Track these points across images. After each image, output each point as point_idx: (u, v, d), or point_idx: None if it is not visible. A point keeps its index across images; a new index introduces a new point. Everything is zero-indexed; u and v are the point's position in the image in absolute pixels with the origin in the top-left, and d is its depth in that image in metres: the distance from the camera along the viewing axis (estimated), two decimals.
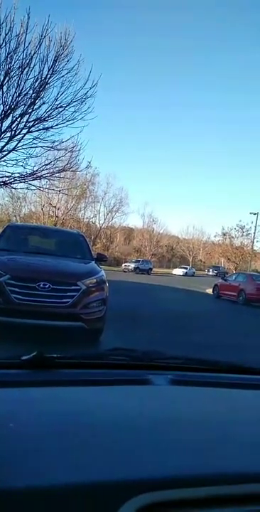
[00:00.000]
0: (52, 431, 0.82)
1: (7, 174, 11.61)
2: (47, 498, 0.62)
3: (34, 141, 11.34)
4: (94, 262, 6.32)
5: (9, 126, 11.01)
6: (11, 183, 11.98)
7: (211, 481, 0.69)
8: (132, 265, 42.11)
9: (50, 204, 36.66)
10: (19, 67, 10.44)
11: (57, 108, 11.17)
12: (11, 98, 10.65)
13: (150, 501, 0.63)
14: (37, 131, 11.30)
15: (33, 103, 10.91)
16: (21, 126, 11.07)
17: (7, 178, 11.70)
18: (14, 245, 6.25)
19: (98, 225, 51.90)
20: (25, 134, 11.20)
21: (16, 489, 0.62)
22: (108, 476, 0.67)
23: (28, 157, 11.58)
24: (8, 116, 10.90)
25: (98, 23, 67.85)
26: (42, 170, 12.04)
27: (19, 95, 10.65)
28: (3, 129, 11.01)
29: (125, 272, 39.15)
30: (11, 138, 11.13)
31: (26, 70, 10.53)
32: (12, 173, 11.62)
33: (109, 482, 0.65)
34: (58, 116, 11.26)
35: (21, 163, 11.57)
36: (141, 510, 0.61)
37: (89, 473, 0.68)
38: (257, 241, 39.16)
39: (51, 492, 0.62)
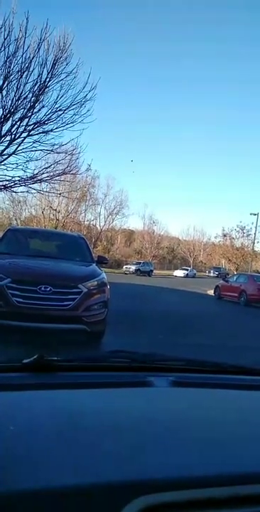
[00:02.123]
0: (54, 433, 0.82)
1: (7, 178, 11.64)
2: (49, 500, 0.62)
3: (34, 145, 11.39)
4: (95, 264, 6.32)
5: (9, 130, 11.04)
6: (11, 186, 12.00)
7: (214, 483, 0.69)
8: (133, 267, 42.09)
9: (51, 207, 36.70)
10: (18, 71, 10.47)
11: (56, 111, 11.20)
12: (10, 102, 10.69)
13: (153, 503, 0.63)
14: (37, 134, 11.33)
15: (33, 107, 10.94)
16: (21, 129, 11.10)
17: (7, 182, 11.72)
18: (15, 249, 6.25)
19: (99, 228, 51.95)
20: (25, 138, 11.23)
21: (18, 492, 0.62)
22: (110, 478, 0.67)
23: (28, 161, 11.64)
24: (8, 120, 10.92)
25: (97, 25, 68.10)
26: (43, 173, 12.07)
27: (18, 99, 10.68)
28: (3, 132, 11.04)
29: (126, 274, 39.12)
30: (11, 142, 11.15)
31: (25, 73, 10.57)
32: (12, 177, 11.66)
33: (111, 483, 0.65)
34: (58, 119, 11.30)
35: (21, 167, 11.61)
36: (143, 511, 0.61)
37: (91, 474, 0.68)
38: (258, 242, 39.07)
39: (53, 494, 0.62)
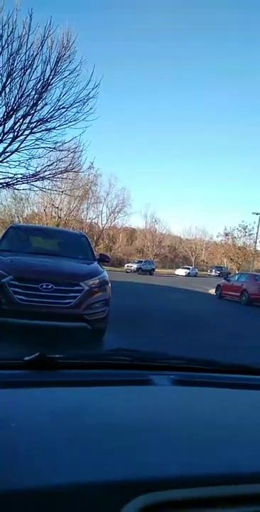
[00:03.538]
0: (55, 431, 0.82)
1: (10, 175, 11.63)
2: (50, 498, 0.62)
3: (36, 142, 11.37)
4: (96, 262, 6.32)
5: (12, 128, 11.03)
6: (13, 184, 11.99)
7: (214, 481, 0.69)
8: (135, 266, 42.11)
9: (53, 205, 36.73)
10: (21, 69, 10.46)
11: (59, 109, 11.18)
12: (13, 99, 10.67)
13: (153, 501, 0.63)
14: (39, 132, 11.32)
15: (36, 104, 10.92)
16: (24, 127, 11.09)
17: (10, 179, 11.72)
18: (17, 246, 6.26)
19: (100, 226, 51.98)
20: (27, 135, 11.21)
21: (18, 490, 0.62)
22: (110, 476, 0.67)
23: (30, 158, 11.60)
24: (11, 117, 10.92)
25: (101, 24, 68.04)
26: (45, 171, 12.06)
27: (21, 96, 10.67)
28: (6, 130, 11.04)
29: (128, 272, 39.15)
30: (14, 139, 11.15)
31: (28, 71, 10.55)
32: (15, 174, 11.64)
33: (112, 482, 0.66)
34: (60, 117, 11.28)
35: (24, 164, 11.58)
36: (143, 510, 0.61)
37: (91, 473, 0.68)
38: None
39: (53, 493, 0.63)
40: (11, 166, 11.48)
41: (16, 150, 11.33)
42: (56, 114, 11.19)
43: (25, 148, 11.37)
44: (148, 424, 0.90)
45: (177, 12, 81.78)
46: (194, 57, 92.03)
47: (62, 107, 11.19)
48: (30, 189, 13.57)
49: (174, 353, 1.51)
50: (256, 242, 38.51)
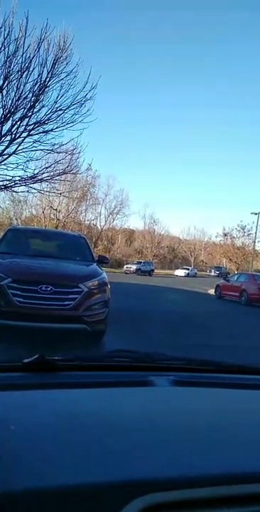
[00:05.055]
0: (55, 433, 0.82)
1: (8, 178, 11.64)
2: (50, 498, 0.62)
3: (34, 145, 11.38)
4: (95, 264, 6.32)
5: (9, 130, 11.04)
6: (11, 186, 12.01)
7: (214, 482, 0.69)
8: (134, 267, 42.11)
9: (51, 207, 36.71)
10: (18, 71, 10.46)
11: (56, 111, 11.20)
12: (10, 102, 10.68)
13: (153, 502, 0.63)
14: (37, 134, 11.33)
15: (33, 106, 10.94)
16: (21, 129, 11.10)
17: (8, 182, 11.73)
18: (16, 248, 6.25)
19: (99, 227, 51.97)
20: (25, 138, 11.23)
21: (18, 490, 0.62)
22: (110, 477, 0.67)
23: (28, 160, 11.64)
24: (8, 119, 10.92)
25: (98, 24, 68.20)
26: (43, 173, 12.08)
27: (19, 99, 10.68)
28: (3, 132, 11.04)
29: (127, 273, 39.13)
30: (11, 141, 11.16)
31: (25, 73, 10.56)
32: (13, 177, 11.66)
33: (112, 483, 0.65)
34: (58, 119, 11.30)
35: (22, 167, 11.61)
36: (143, 511, 0.61)
37: (91, 474, 0.68)
38: (258, 241, 39.27)
39: (53, 493, 0.62)
40: (9, 168, 11.51)
41: (14, 152, 11.35)
42: (53, 116, 11.22)
43: (23, 150, 11.41)
44: (148, 425, 0.90)
45: (177, 11, 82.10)
46: (196, 57, 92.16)
47: (60, 109, 11.21)
48: (28, 191, 13.58)
49: (174, 354, 1.51)
50: (254, 242, 38.62)
